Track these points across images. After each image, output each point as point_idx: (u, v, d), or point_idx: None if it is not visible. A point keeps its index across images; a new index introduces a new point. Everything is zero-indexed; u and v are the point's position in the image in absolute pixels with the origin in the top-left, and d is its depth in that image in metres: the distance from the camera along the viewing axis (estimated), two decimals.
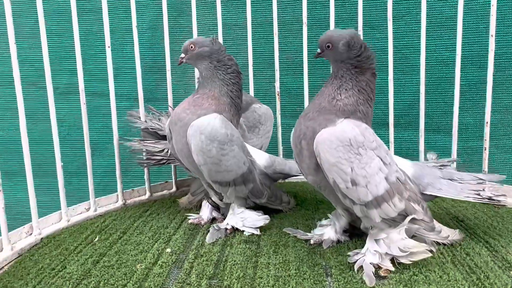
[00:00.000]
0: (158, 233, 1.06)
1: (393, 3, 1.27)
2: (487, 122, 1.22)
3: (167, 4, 1.33)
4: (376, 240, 0.87)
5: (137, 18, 1.28)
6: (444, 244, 0.93)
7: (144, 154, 1.25)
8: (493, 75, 1.20)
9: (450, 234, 0.93)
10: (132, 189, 1.33)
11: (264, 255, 0.92)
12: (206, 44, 1.04)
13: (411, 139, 1.50)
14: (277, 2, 1.37)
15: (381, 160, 0.85)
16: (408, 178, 0.92)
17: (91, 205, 1.20)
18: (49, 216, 1.12)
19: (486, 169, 1.24)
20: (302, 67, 1.39)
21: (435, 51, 1.46)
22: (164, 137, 1.21)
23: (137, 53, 1.27)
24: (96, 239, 1.03)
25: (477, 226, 1.05)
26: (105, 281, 0.83)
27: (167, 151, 1.20)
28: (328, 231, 1.00)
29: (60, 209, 1.13)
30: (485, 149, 1.23)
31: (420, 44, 1.27)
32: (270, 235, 1.03)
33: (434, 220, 0.92)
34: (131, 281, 0.82)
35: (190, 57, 1.05)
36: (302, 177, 1.13)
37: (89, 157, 1.19)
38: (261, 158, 1.13)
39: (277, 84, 1.41)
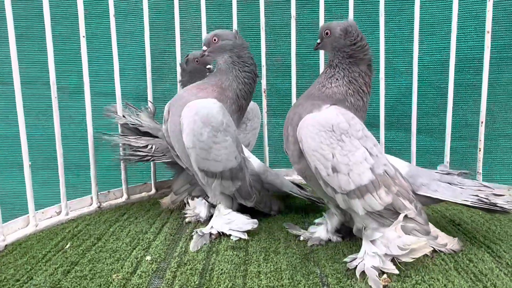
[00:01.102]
0: (136, 239, 0.97)
1: (385, 5, 1.25)
2: (482, 122, 1.18)
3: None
4: (373, 241, 0.82)
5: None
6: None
7: (124, 150, 1.17)
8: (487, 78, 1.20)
9: (449, 243, 0.88)
10: (108, 191, 1.24)
11: (253, 262, 0.85)
12: (229, 37, 1.00)
13: (403, 140, 1.45)
14: (265, 4, 1.32)
15: (367, 150, 0.82)
16: (399, 174, 0.87)
17: (62, 208, 1.10)
18: (15, 221, 1.02)
19: (480, 170, 1.20)
20: (290, 65, 1.34)
21: (428, 53, 1.45)
22: (145, 134, 1.16)
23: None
24: (67, 246, 0.93)
25: (475, 230, 1.00)
26: None
27: (151, 147, 1.14)
28: (320, 230, 0.97)
29: (28, 213, 1.03)
30: (479, 150, 1.20)
31: (413, 46, 1.24)
32: (259, 241, 0.95)
33: (431, 224, 0.87)
34: None
35: (212, 49, 1.00)
36: (294, 191, 1.12)
37: (60, 155, 1.09)
38: (254, 162, 1.06)
39: (264, 82, 1.34)
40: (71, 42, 1.49)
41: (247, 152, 1.07)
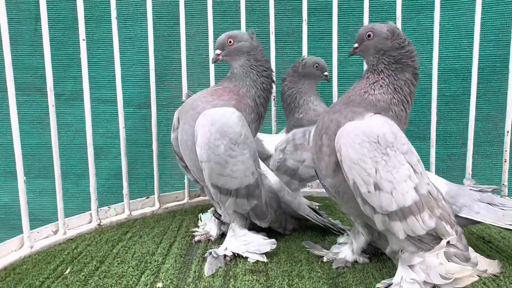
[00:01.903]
0: (143, 261, 0.88)
1: (402, 10, 1.20)
2: (507, 132, 1.13)
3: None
4: (411, 266, 0.74)
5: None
6: None
7: None
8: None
9: (489, 268, 0.80)
10: (108, 207, 1.14)
11: None
12: (245, 39, 0.92)
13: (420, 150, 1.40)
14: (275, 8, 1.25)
15: (412, 167, 0.74)
16: (441, 195, 0.79)
17: (59, 227, 1.01)
18: (7, 242, 0.92)
19: (506, 182, 1.16)
20: None
21: (449, 59, 1.41)
22: None
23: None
24: (67, 271, 0.84)
25: (509, 248, 0.93)
26: None
27: None
28: (344, 250, 0.89)
29: (22, 233, 0.94)
30: (505, 161, 1.14)
31: (432, 52, 1.19)
32: (279, 263, 0.87)
33: (470, 249, 0.79)
34: None
35: (227, 53, 0.92)
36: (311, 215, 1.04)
37: (58, 168, 1.00)
38: (271, 178, 0.98)
39: (273, 89, 1.26)
40: (67, 47, 1.44)
41: (263, 167, 0.98)
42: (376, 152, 0.72)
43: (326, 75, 1.14)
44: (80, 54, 1.04)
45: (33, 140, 1.51)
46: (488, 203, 0.85)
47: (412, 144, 0.77)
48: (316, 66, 1.13)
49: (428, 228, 0.73)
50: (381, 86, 0.78)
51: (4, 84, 0.90)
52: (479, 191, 0.90)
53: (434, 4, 1.16)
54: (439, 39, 1.18)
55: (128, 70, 1.44)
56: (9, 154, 1.03)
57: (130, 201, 1.16)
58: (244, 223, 0.94)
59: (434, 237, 0.75)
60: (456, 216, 0.82)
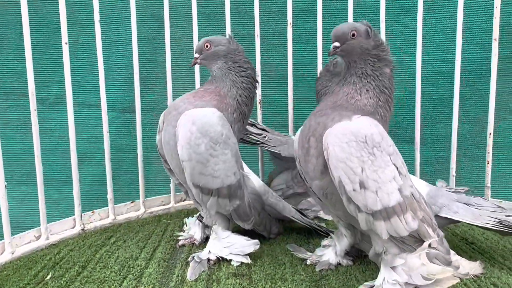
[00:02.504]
0: (126, 266, 0.88)
1: (386, 13, 1.20)
2: (490, 134, 1.14)
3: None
4: (393, 268, 0.75)
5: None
6: None
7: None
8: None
9: (470, 270, 0.80)
10: (92, 212, 1.14)
11: None
12: (222, 43, 0.93)
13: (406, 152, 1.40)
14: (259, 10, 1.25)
15: (397, 169, 0.74)
16: (423, 199, 0.80)
17: (41, 232, 1.00)
18: None
19: (489, 184, 1.17)
20: (286, 75, 1.26)
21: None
22: (262, 130, 1.17)
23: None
24: (48, 277, 0.83)
25: (491, 249, 0.94)
26: None
27: (265, 136, 1.14)
28: (328, 252, 0.89)
29: (3, 239, 0.92)
30: (488, 163, 1.15)
31: (415, 56, 1.20)
32: (263, 266, 0.87)
33: (452, 252, 0.79)
34: None
35: (205, 57, 0.94)
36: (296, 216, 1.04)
37: (40, 173, 0.99)
38: (254, 180, 0.98)
39: (259, 92, 1.26)
40: (50, 51, 1.42)
41: (246, 169, 0.98)
42: (363, 151, 0.72)
43: None
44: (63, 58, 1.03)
45: (16, 145, 1.49)
46: (465, 203, 0.87)
47: (399, 147, 0.78)
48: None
49: (411, 229, 0.73)
50: (367, 90, 0.78)
51: None
52: (454, 192, 0.91)
53: (417, 6, 1.17)
54: (425, 42, 1.19)
55: (112, 74, 1.43)
56: None
57: (115, 205, 1.15)
58: (227, 225, 0.94)
59: (416, 239, 0.75)
60: (436, 216, 0.83)
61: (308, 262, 0.88)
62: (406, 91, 1.37)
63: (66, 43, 1.02)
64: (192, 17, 1.21)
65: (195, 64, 0.96)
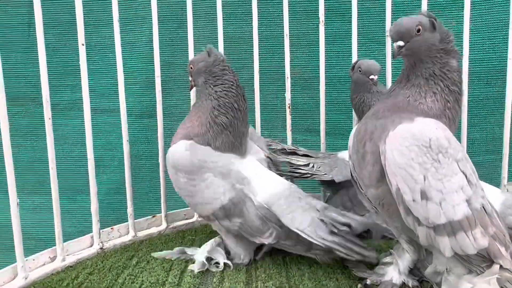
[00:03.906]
0: None
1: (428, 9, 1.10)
2: None
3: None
4: None
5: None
6: None
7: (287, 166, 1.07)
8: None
9: None
10: (111, 228, 1.04)
11: None
12: (201, 60, 0.92)
13: None
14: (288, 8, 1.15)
15: (466, 177, 0.65)
16: (495, 212, 0.70)
17: (57, 253, 0.90)
18: None
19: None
20: (318, 76, 1.16)
21: None
22: (304, 156, 1.09)
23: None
24: None
25: None
26: None
27: (312, 166, 1.05)
28: (390, 271, 0.79)
29: (15, 262, 0.83)
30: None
31: None
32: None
33: None
34: None
35: (193, 77, 0.94)
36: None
37: (56, 187, 0.90)
38: (260, 193, 0.88)
39: (288, 95, 1.17)
40: (63, 53, 1.33)
41: (259, 180, 0.89)
42: (425, 157, 0.64)
43: (371, 79, 1.01)
44: (79, 60, 0.94)
45: (26, 153, 1.42)
46: None
47: None
48: (360, 70, 1.02)
49: (480, 247, 0.65)
50: (434, 93, 0.69)
51: None
52: None
53: (463, 1, 1.07)
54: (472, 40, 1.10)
55: (129, 77, 1.35)
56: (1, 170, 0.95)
57: (135, 220, 1.06)
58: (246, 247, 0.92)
59: (484, 259, 0.66)
60: None
61: (369, 282, 0.79)
62: None
63: (83, 44, 0.93)
64: (217, 17, 1.12)
65: (192, 87, 0.97)
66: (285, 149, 1.11)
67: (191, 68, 0.93)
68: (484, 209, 0.66)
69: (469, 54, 1.08)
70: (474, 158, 1.36)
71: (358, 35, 1.13)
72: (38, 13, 0.87)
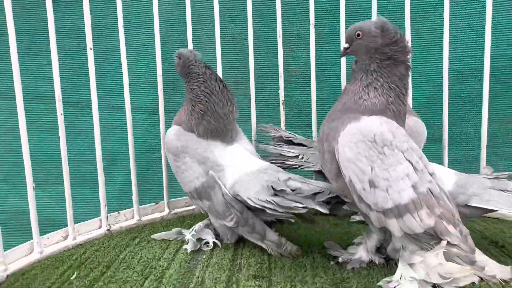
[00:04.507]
0: (148, 266, 0.89)
1: (410, 11, 1.18)
2: None
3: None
4: (411, 265, 0.75)
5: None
6: None
7: (277, 158, 1.18)
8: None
9: (499, 273, 0.77)
10: (118, 213, 1.16)
11: None
12: (176, 64, 1.05)
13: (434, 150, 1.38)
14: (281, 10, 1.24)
15: (412, 165, 0.74)
16: (444, 194, 0.77)
17: (69, 233, 1.03)
18: (17, 248, 0.94)
19: None
20: (309, 75, 1.25)
21: (460, 60, 1.38)
22: (299, 145, 1.20)
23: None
24: (73, 276, 0.85)
25: None
26: None
27: (302, 157, 1.16)
28: (360, 250, 0.88)
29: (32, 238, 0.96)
30: None
31: (442, 53, 1.17)
32: (283, 268, 0.86)
33: (479, 252, 0.77)
34: None
35: (180, 74, 1.06)
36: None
37: (67, 176, 1.02)
38: (229, 180, 0.96)
39: (282, 93, 1.26)
40: (79, 55, 1.45)
41: (232, 164, 0.99)
42: (371, 150, 0.73)
43: None
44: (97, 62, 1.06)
45: (51, 147, 1.54)
46: (502, 190, 0.82)
47: (426, 146, 0.76)
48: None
49: (427, 226, 0.73)
50: (375, 88, 0.77)
51: (26, 94, 0.94)
52: (494, 178, 0.87)
53: (443, 3, 1.14)
54: (452, 39, 1.16)
55: (142, 76, 1.47)
56: (35, 163, 1.05)
57: (140, 206, 1.17)
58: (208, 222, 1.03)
59: (432, 236, 0.74)
60: (466, 206, 0.81)
61: (340, 260, 0.88)
62: (433, 89, 1.35)
63: (90, 49, 1.05)
64: (214, 19, 1.22)
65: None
66: (282, 136, 1.21)
67: (177, 67, 1.06)
68: (431, 191, 0.74)
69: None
70: (469, 152, 1.44)
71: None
72: (50, 18, 0.99)
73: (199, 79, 1.00)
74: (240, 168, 0.97)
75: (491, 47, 1.13)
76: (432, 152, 1.41)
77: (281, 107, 1.27)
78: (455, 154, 1.36)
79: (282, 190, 0.86)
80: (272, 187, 0.87)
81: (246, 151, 1.02)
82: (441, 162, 1.19)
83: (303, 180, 0.89)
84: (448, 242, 0.74)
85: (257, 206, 0.88)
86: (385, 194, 0.72)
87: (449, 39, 1.15)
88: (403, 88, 0.79)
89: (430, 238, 0.74)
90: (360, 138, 0.73)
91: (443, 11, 1.15)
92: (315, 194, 0.84)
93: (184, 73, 1.03)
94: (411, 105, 1.21)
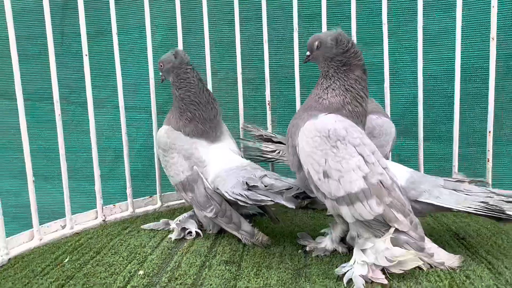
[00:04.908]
0: (134, 252, 0.99)
1: (388, 16, 1.25)
2: (489, 132, 1.15)
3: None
4: (363, 250, 0.82)
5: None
6: None
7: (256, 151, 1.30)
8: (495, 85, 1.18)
9: (447, 260, 0.84)
10: (114, 205, 1.26)
11: (244, 278, 0.84)
12: (168, 60, 1.10)
13: (412, 148, 1.43)
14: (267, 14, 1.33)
15: (364, 158, 0.82)
16: (396, 186, 0.85)
17: (67, 222, 1.13)
18: (20, 235, 1.05)
19: (490, 180, 1.17)
20: (294, 75, 1.33)
21: (434, 62, 1.44)
22: (278, 143, 1.29)
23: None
24: (66, 260, 0.96)
25: (479, 244, 0.96)
26: None
27: (279, 152, 1.27)
28: (325, 239, 0.96)
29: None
30: (488, 160, 1.16)
31: (417, 57, 1.24)
32: (254, 255, 0.95)
33: (428, 241, 0.84)
34: None
35: (163, 74, 1.14)
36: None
37: (64, 170, 1.13)
38: (211, 175, 1.06)
39: (268, 94, 1.34)
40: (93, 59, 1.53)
41: (211, 161, 1.08)
42: (325, 145, 0.81)
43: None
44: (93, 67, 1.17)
45: (67, 143, 1.64)
46: (453, 189, 0.88)
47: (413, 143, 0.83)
48: None
49: (375, 213, 0.80)
50: (333, 89, 0.86)
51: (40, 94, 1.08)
52: (457, 181, 0.93)
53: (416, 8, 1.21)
54: (425, 43, 1.23)
55: (145, 79, 1.56)
56: (47, 159, 1.16)
57: (134, 199, 1.27)
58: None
59: (383, 224, 0.81)
60: (416, 201, 0.87)
61: (307, 248, 0.96)
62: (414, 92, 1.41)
63: (86, 55, 1.15)
64: (203, 24, 1.31)
65: (162, 81, 1.16)
66: (262, 135, 1.30)
67: (161, 66, 1.12)
68: (381, 183, 0.81)
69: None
70: (467, 151, 1.47)
71: None
72: (48, 26, 1.09)
73: (191, 90, 1.09)
74: (222, 164, 1.07)
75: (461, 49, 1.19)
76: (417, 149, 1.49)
77: (267, 107, 1.35)
78: (445, 152, 1.41)
79: (254, 186, 0.95)
80: (246, 182, 0.96)
81: (229, 150, 1.12)
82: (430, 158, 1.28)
83: (277, 177, 0.97)
84: (398, 230, 0.81)
85: (231, 198, 0.97)
86: (337, 184, 0.81)
87: (423, 43, 1.22)
88: (361, 91, 0.87)
89: (380, 225, 0.81)
90: (316, 133, 0.82)
91: (417, 16, 1.21)
92: (286, 189, 0.92)
93: (174, 73, 1.09)
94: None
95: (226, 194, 0.99)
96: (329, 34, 0.88)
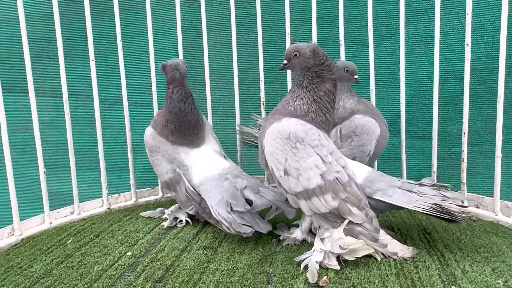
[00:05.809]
0: (128, 236, 1.11)
1: (373, 21, 1.32)
2: (464, 133, 1.20)
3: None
4: (322, 239, 0.91)
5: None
6: None
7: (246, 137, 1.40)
8: (472, 88, 1.23)
9: (400, 251, 0.92)
10: (119, 194, 1.40)
11: (216, 261, 0.95)
12: (180, 64, 1.21)
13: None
14: (261, 16, 1.42)
15: (321, 158, 0.91)
16: (354, 183, 0.93)
17: (75, 209, 1.27)
18: (33, 218, 1.20)
19: (465, 180, 1.22)
20: (286, 78, 1.42)
21: (419, 65, 1.51)
22: None
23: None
24: (69, 241, 1.10)
25: (441, 238, 1.03)
26: (61, 280, 0.89)
27: None
28: (296, 230, 1.05)
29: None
30: (463, 160, 1.21)
31: (399, 60, 1.31)
32: (232, 242, 1.05)
33: (383, 233, 0.93)
34: (82, 281, 0.88)
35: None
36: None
37: (73, 162, 1.26)
38: (194, 177, 1.18)
39: (262, 94, 1.44)
40: (110, 59, 1.62)
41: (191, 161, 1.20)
42: (286, 145, 0.91)
43: (355, 78, 1.22)
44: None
45: (84, 138, 1.74)
46: (408, 190, 0.96)
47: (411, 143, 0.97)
48: (346, 70, 1.21)
49: (330, 207, 0.90)
50: (301, 98, 0.95)
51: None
52: (418, 184, 0.99)
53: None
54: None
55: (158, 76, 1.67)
56: (66, 150, 1.29)
57: (137, 190, 1.41)
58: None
59: (338, 216, 0.90)
60: (371, 198, 0.95)
61: (281, 238, 1.06)
62: (418, 90, 1.50)
63: (93, 60, 1.28)
64: (202, 29, 1.42)
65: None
66: (261, 124, 1.40)
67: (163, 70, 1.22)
68: (337, 180, 0.90)
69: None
70: (451, 149, 1.54)
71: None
72: (56, 27, 1.22)
73: (175, 107, 1.19)
74: (204, 169, 1.18)
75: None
76: (416, 148, 1.57)
77: (262, 106, 1.45)
78: (439, 151, 1.45)
79: (237, 211, 1.03)
80: (230, 203, 1.05)
81: (212, 152, 1.23)
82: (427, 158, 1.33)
83: (257, 190, 1.09)
84: (352, 222, 0.90)
85: (216, 219, 1.06)
86: (296, 181, 0.90)
87: (410, 48, 1.29)
88: (328, 103, 0.95)
89: (336, 217, 0.91)
90: (278, 135, 0.92)
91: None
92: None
93: (176, 81, 1.18)
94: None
95: (212, 210, 1.07)
96: (307, 45, 0.95)
